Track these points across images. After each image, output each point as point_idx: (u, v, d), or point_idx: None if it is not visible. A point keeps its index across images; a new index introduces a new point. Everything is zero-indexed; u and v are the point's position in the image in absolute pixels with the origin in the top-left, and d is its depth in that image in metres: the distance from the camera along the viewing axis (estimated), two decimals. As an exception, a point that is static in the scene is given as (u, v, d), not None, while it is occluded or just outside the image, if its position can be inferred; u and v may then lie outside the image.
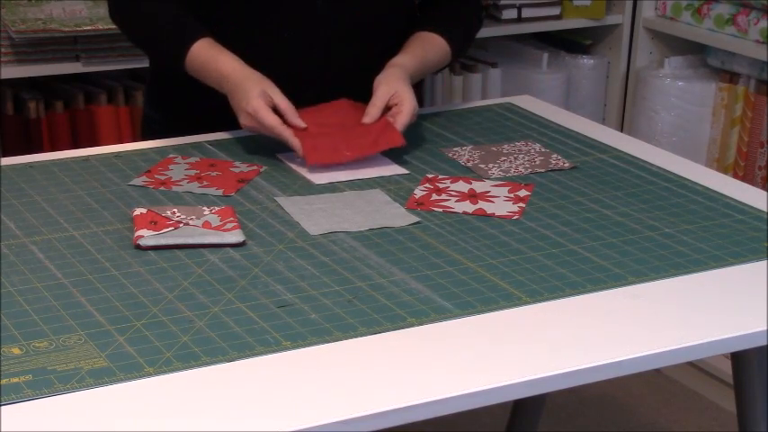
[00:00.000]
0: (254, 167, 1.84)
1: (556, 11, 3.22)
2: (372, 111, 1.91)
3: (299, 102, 1.92)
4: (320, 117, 1.91)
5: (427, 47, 2.04)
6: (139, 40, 2.05)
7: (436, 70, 2.12)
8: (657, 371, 3.11)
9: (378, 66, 1.99)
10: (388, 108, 1.92)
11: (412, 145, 1.96)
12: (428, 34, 2.05)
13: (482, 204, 1.72)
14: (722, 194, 1.79)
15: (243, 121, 1.86)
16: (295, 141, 1.84)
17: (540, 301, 1.45)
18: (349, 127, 1.90)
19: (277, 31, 1.95)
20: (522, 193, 1.77)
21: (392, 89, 1.91)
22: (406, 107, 1.90)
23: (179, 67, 1.93)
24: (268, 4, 1.94)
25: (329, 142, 1.85)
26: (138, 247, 1.55)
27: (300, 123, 1.86)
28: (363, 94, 1.96)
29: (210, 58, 1.91)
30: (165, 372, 1.27)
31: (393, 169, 1.86)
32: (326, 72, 1.99)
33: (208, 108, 1.96)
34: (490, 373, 1.29)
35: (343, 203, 1.72)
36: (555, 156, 1.92)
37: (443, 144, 1.99)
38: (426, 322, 1.39)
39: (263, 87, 1.86)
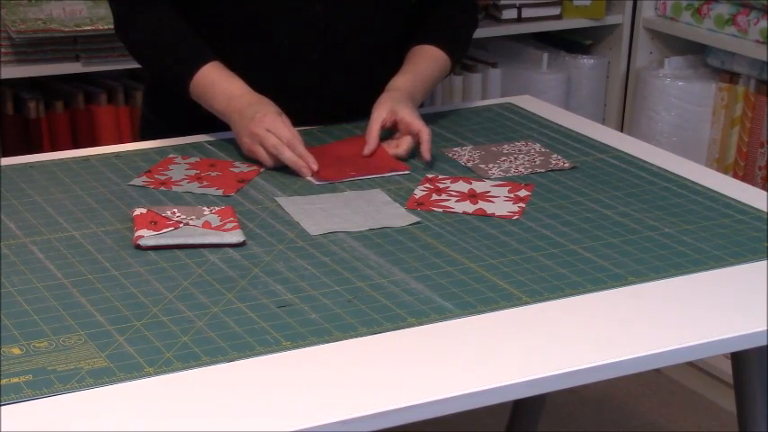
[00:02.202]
0: (254, 167, 1.84)
1: (556, 11, 3.22)
2: (370, 141, 1.88)
3: (299, 110, 1.92)
4: (324, 151, 1.90)
5: (425, 62, 2.02)
6: (144, 58, 2.01)
7: (439, 82, 2.11)
8: (657, 371, 3.11)
9: (376, 72, 2.00)
10: (391, 130, 1.91)
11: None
12: (425, 48, 2.03)
13: (482, 204, 1.72)
14: (722, 194, 1.79)
15: (254, 128, 1.82)
16: (308, 158, 1.81)
17: (540, 301, 1.45)
18: (352, 156, 1.89)
19: (276, 39, 1.95)
20: (522, 193, 1.77)
21: (384, 111, 1.89)
22: (423, 132, 1.87)
23: (183, 85, 1.91)
24: (267, 13, 1.94)
25: (333, 169, 1.84)
26: (138, 247, 1.55)
27: (307, 153, 1.83)
28: (362, 101, 1.96)
29: (221, 77, 1.89)
30: (165, 372, 1.27)
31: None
32: (325, 78, 1.99)
33: (206, 110, 1.96)
34: (490, 373, 1.29)
35: (344, 203, 1.72)
36: (555, 156, 1.92)
37: (443, 144, 1.99)
38: (426, 322, 1.39)
39: (280, 111, 1.86)
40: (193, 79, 1.90)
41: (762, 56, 2.93)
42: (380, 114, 1.90)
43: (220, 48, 1.94)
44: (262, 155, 1.83)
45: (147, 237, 1.56)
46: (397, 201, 1.74)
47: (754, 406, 1.69)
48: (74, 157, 1.89)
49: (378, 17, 2.01)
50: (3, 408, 1.20)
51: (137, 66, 2.74)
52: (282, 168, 1.84)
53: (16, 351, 1.30)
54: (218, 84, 1.89)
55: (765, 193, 1.80)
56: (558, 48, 3.37)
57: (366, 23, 2.00)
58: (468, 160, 1.90)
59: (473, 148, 1.96)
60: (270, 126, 1.82)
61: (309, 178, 1.81)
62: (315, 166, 1.81)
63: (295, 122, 1.87)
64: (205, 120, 1.97)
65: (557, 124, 2.10)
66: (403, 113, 1.89)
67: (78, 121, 2.82)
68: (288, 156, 1.81)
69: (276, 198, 1.73)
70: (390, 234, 1.63)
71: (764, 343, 1.42)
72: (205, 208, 1.66)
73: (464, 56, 2.23)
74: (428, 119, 2.10)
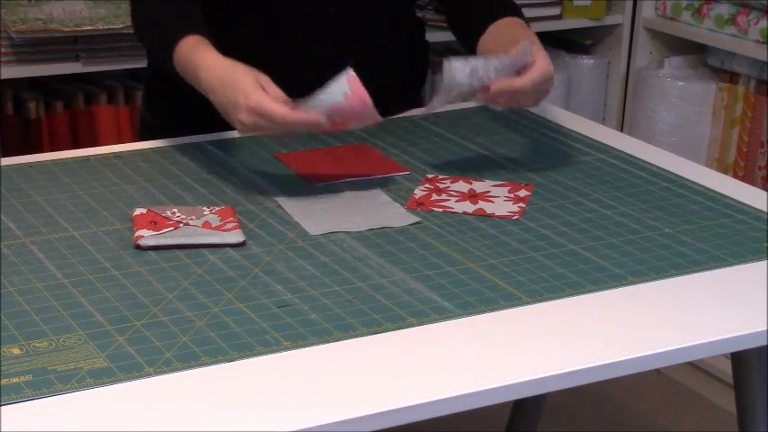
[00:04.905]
0: None
1: (556, 11, 3.22)
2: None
3: None
4: (324, 153, 1.90)
5: (517, 27, 1.97)
6: (143, 40, 1.98)
7: None
8: (657, 371, 3.11)
9: (385, 72, 2.01)
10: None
11: (412, 145, 1.96)
12: (505, 20, 1.98)
13: (482, 204, 1.72)
14: (722, 194, 1.79)
15: (244, 118, 1.67)
16: (311, 116, 1.65)
17: (540, 301, 1.45)
18: (352, 159, 1.89)
19: (290, 41, 1.95)
20: (522, 193, 1.77)
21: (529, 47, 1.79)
22: (537, 67, 1.76)
23: (169, 65, 1.82)
24: (281, 15, 1.94)
25: (332, 170, 1.84)
26: (138, 247, 1.55)
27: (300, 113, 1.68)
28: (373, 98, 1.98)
29: (192, 50, 1.77)
30: (165, 372, 1.27)
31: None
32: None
33: (206, 109, 1.96)
34: (490, 373, 1.29)
35: (344, 203, 1.72)
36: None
37: (443, 144, 1.99)
38: (426, 322, 1.39)
39: (255, 75, 1.68)
40: (173, 56, 1.79)
41: (762, 56, 2.93)
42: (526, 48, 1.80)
43: (234, 48, 1.93)
44: (266, 133, 1.70)
45: (147, 237, 1.56)
46: (397, 201, 1.74)
47: (754, 406, 1.69)
48: (74, 157, 1.89)
49: (388, 19, 2.03)
50: (3, 408, 1.20)
51: (137, 66, 2.76)
52: (282, 168, 1.84)
53: (16, 351, 1.30)
54: (187, 56, 1.77)
55: (765, 193, 1.80)
56: (558, 48, 3.37)
57: (377, 25, 2.01)
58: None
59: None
60: (259, 109, 1.65)
61: (308, 179, 1.81)
62: (323, 119, 1.66)
63: None
64: (205, 121, 1.97)
65: (557, 124, 2.10)
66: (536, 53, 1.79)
67: (78, 121, 2.82)
68: (291, 125, 1.66)
69: (276, 198, 1.73)
70: (390, 234, 1.63)
71: (764, 343, 1.42)
72: (205, 208, 1.66)
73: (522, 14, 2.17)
74: (428, 119, 2.10)
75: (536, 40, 1.86)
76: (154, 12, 1.91)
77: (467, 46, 2.05)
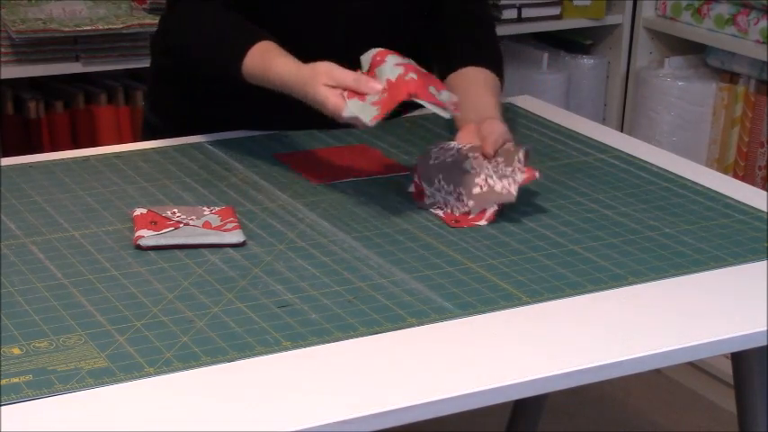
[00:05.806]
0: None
1: (556, 11, 3.22)
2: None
3: (314, 122, 1.91)
4: (325, 154, 1.90)
5: (489, 87, 1.95)
6: (195, 50, 1.92)
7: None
8: (657, 371, 3.11)
9: None
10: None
11: (412, 145, 1.96)
12: (473, 70, 1.98)
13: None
14: (722, 194, 1.79)
15: (323, 91, 1.68)
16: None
17: (540, 301, 1.45)
18: (353, 160, 1.89)
19: (299, 38, 1.96)
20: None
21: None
22: (496, 132, 1.75)
23: (236, 68, 1.81)
24: (292, 36, 1.94)
25: (332, 170, 1.84)
26: (138, 247, 1.55)
27: (377, 85, 1.68)
28: None
29: (266, 56, 1.80)
30: (165, 372, 1.27)
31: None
32: None
33: (209, 109, 1.96)
34: (490, 373, 1.29)
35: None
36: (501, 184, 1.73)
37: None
38: (426, 322, 1.39)
39: (322, 63, 1.73)
40: (247, 55, 1.80)
41: (762, 56, 2.93)
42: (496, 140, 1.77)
43: None
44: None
45: (147, 237, 1.56)
46: (397, 200, 1.73)
47: (754, 406, 1.69)
48: (74, 157, 1.89)
49: (397, 22, 2.03)
50: (3, 408, 1.20)
51: (137, 66, 2.76)
52: (282, 168, 1.84)
53: (16, 351, 1.30)
54: (274, 57, 1.80)
55: (765, 193, 1.80)
56: (558, 48, 3.37)
57: (386, 28, 2.02)
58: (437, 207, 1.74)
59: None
60: (331, 75, 1.70)
61: (308, 179, 1.81)
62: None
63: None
64: (209, 122, 1.97)
65: (557, 124, 2.10)
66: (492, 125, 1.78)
67: (78, 121, 2.83)
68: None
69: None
70: (390, 234, 1.63)
71: (764, 343, 1.42)
72: (205, 208, 1.66)
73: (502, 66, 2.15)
74: (429, 119, 2.10)
75: (495, 103, 1.86)
76: (209, 22, 1.89)
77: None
